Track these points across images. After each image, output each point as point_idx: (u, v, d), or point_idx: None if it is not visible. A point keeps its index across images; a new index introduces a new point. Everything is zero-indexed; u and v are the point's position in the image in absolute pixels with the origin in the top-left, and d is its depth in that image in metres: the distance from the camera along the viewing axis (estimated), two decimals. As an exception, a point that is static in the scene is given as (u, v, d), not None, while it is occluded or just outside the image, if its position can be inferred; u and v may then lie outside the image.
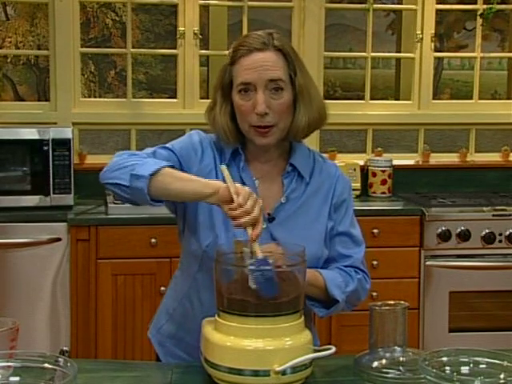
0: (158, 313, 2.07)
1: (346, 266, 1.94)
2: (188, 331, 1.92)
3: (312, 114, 1.88)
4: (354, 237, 1.97)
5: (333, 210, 1.94)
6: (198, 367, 1.69)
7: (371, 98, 4.31)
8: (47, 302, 3.46)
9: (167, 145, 1.90)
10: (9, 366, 1.44)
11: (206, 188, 1.70)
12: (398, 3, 5.17)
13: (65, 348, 3.44)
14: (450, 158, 4.34)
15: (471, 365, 1.54)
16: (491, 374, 1.51)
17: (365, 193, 4.00)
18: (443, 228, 3.62)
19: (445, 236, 3.61)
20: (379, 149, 4.22)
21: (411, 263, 3.62)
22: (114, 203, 3.52)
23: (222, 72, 1.89)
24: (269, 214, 1.88)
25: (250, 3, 4.14)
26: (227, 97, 1.88)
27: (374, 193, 4.01)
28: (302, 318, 1.65)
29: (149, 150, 1.90)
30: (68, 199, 3.56)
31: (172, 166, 1.79)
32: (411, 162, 4.30)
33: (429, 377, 1.45)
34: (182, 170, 1.85)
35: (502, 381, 1.48)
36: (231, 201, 1.65)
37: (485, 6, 4.21)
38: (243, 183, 1.84)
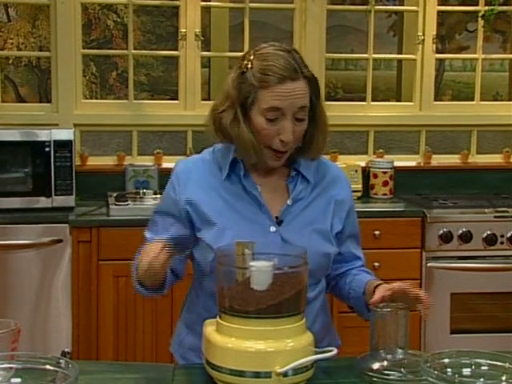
0: (177, 327, 2.09)
1: (360, 267, 2.05)
2: None
3: (326, 139, 1.95)
4: (359, 238, 2.08)
5: (343, 214, 1.99)
6: (200, 369, 1.69)
7: (373, 100, 4.30)
8: (48, 303, 3.46)
9: (155, 214, 1.97)
10: (10, 368, 1.44)
11: None
12: (400, 5, 5.17)
13: (66, 349, 3.43)
14: (451, 160, 4.33)
15: (473, 367, 1.54)
16: (493, 376, 1.51)
17: (366, 194, 4.00)
18: (445, 229, 3.61)
19: (446, 237, 3.61)
20: (380, 150, 4.22)
21: (413, 265, 3.62)
22: (116, 204, 3.52)
23: (241, 88, 1.86)
24: (277, 218, 1.91)
25: (252, 5, 4.14)
26: (247, 114, 1.87)
27: (376, 194, 4.01)
28: (304, 319, 1.65)
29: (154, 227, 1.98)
30: (69, 201, 3.55)
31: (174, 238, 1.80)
32: (413, 164, 4.30)
33: (430, 378, 1.45)
34: (190, 220, 1.91)
35: (503, 383, 1.49)
36: None
37: (486, 8, 4.20)
38: (246, 191, 1.89)
